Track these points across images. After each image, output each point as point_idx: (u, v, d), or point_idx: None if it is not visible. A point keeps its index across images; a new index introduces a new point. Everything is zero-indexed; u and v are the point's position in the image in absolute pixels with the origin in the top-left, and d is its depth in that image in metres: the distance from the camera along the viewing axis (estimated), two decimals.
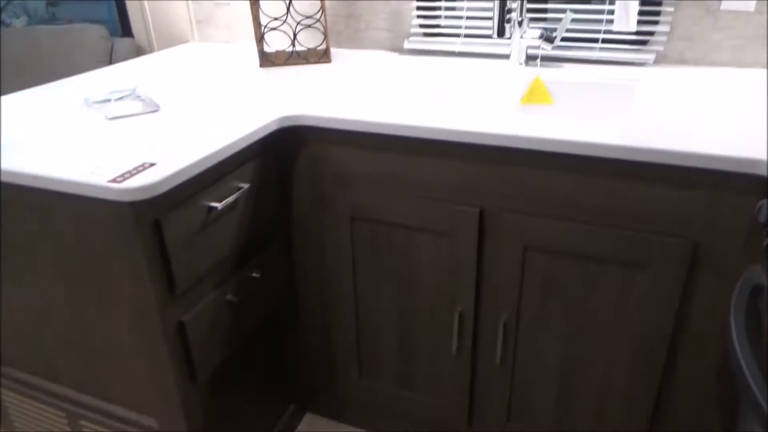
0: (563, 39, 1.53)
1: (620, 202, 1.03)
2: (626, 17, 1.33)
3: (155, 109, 1.24)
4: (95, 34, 2.00)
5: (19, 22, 2.31)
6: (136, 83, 1.47)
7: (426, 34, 1.68)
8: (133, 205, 0.91)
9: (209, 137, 1.08)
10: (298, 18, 1.69)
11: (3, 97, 1.37)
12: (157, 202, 0.94)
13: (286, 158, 1.27)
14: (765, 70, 1.38)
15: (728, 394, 1.07)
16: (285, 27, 1.73)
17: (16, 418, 1.37)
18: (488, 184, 1.12)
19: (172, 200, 0.97)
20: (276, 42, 1.78)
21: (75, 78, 1.55)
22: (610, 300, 1.12)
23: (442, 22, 1.66)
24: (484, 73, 1.48)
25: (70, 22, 2.22)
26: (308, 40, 1.75)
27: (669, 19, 1.42)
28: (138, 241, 0.94)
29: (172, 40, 1.98)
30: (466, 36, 1.64)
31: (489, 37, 1.61)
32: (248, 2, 1.67)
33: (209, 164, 1.02)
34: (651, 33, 1.46)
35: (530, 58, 1.49)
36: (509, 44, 1.56)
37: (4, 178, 0.98)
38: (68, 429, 1.29)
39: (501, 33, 1.36)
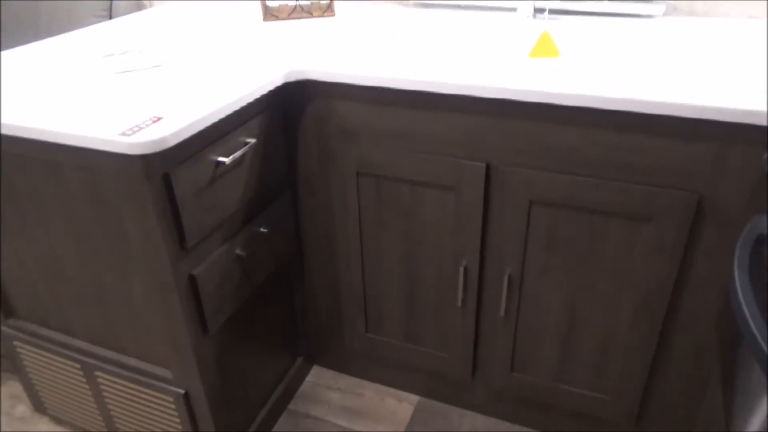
0: None
1: (626, 156, 1.04)
2: None
3: (160, 64, 1.23)
4: None
5: None
6: (139, 38, 1.45)
7: None
8: (144, 158, 0.91)
9: (215, 91, 1.08)
10: None
11: (4, 53, 1.36)
12: (166, 156, 0.95)
13: (291, 113, 1.27)
14: None
15: (728, 340, 1.10)
16: None
17: (32, 370, 1.41)
18: (494, 138, 1.12)
19: (181, 154, 0.98)
20: None
21: (76, 32, 1.53)
22: (614, 252, 1.13)
23: None
24: (491, 26, 1.46)
25: None
26: None
27: None
28: (148, 195, 0.95)
29: None
30: None
31: None
32: None
33: (217, 118, 1.02)
34: None
35: (538, 11, 1.47)
36: None
37: (12, 133, 0.98)
38: (83, 380, 1.33)
39: None
